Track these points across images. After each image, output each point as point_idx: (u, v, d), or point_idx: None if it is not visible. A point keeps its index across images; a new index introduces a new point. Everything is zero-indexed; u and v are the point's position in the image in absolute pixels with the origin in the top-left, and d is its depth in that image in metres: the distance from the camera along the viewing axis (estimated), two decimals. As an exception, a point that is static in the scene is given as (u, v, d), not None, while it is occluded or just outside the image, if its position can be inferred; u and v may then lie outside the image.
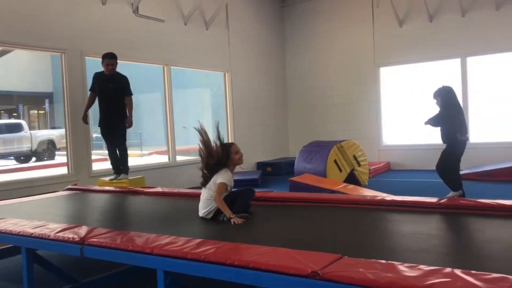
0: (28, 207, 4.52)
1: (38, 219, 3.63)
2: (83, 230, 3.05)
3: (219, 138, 3.53)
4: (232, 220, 3.26)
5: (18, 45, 6.92)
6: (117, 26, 7.92)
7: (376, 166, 9.92)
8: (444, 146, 6.08)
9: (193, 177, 9.13)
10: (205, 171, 3.55)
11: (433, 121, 6.02)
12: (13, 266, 4.28)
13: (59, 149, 15.00)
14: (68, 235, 2.99)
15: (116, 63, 6.37)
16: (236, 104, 10.52)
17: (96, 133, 8.49)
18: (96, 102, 6.47)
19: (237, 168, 3.64)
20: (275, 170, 10.63)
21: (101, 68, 6.43)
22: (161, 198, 4.77)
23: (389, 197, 3.96)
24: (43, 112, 19.77)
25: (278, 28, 12.20)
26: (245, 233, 3.08)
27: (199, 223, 3.41)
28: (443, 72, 10.09)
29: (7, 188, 6.35)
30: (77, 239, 2.91)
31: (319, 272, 2.02)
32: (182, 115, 9.86)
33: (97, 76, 6.42)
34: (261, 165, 10.79)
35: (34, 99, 19.38)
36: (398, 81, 10.84)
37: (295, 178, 7.07)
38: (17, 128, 14.60)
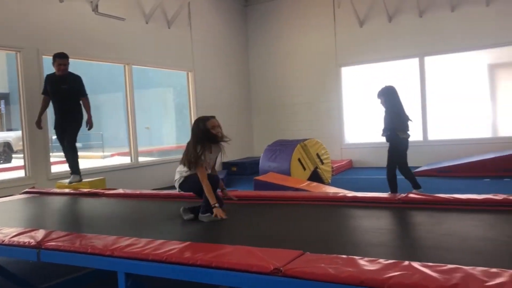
0: (-18, 212, 4.34)
1: (-8, 224, 3.49)
2: (40, 234, 2.95)
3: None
4: (214, 211, 3.18)
5: (-31, 43, 6.63)
6: (75, 24, 7.71)
7: (338, 164, 10.08)
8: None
9: (156, 178, 9.11)
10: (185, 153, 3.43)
11: (387, 129, 6.06)
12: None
13: (16, 152, 14.45)
14: (24, 239, 2.89)
15: (68, 63, 6.12)
16: (200, 103, 10.45)
17: (54, 135, 8.24)
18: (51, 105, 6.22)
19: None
20: (240, 170, 10.63)
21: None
22: (122, 200, 4.67)
23: (350, 193, 4.03)
24: (-2, 113, 19.02)
25: (241, 28, 12.20)
26: (209, 232, 3.06)
27: (162, 224, 3.37)
28: (403, 71, 10.36)
29: (-41, 193, 6.07)
30: (33, 243, 2.81)
31: (281, 268, 2.03)
32: (145, 116, 9.71)
33: (49, 78, 6.16)
34: (226, 165, 10.76)
35: (-11, 100, 18.62)
36: (359, 80, 11.05)
37: (260, 177, 7.08)
38: (-30, 130, 13.97)
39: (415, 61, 10.27)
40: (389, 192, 5.93)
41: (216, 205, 3.22)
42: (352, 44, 10.90)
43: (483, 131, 9.82)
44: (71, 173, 6.31)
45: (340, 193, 4.20)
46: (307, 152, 7.94)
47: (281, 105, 11.89)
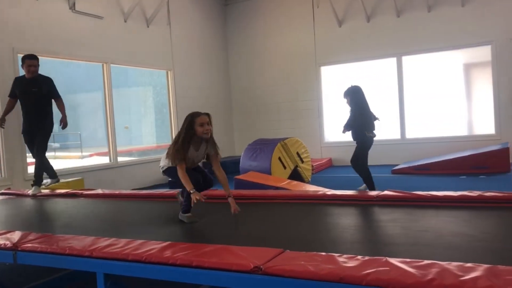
0: (-44, 214, 4.24)
1: (-33, 226, 3.42)
2: (16, 236, 2.90)
3: None
4: (192, 196, 3.08)
5: None
6: (52, 22, 7.57)
7: (318, 163, 10.15)
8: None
9: (135, 178, 9.03)
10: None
11: (348, 126, 6.23)
12: None
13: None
14: None
15: (38, 64, 5.81)
16: (179, 103, 10.39)
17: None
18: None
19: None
20: (221, 169, 10.59)
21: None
22: (101, 200, 4.62)
23: (330, 191, 4.07)
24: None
25: (220, 26, 12.18)
26: (189, 232, 3.05)
27: (141, 225, 3.35)
28: (381, 70, 10.49)
29: None
30: (9, 245, 2.76)
31: (261, 266, 2.04)
32: (124, 115, 9.61)
33: (18, 81, 5.86)
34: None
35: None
36: (338, 79, 11.13)
37: (240, 176, 7.09)
38: None
39: (393, 60, 10.41)
40: (368, 189, 6.03)
41: (192, 190, 3.11)
42: (331, 44, 10.98)
43: (459, 129, 10.01)
44: (50, 177, 6.06)
45: (319, 191, 4.24)
46: (287, 151, 7.99)
47: (262, 104, 11.91)
